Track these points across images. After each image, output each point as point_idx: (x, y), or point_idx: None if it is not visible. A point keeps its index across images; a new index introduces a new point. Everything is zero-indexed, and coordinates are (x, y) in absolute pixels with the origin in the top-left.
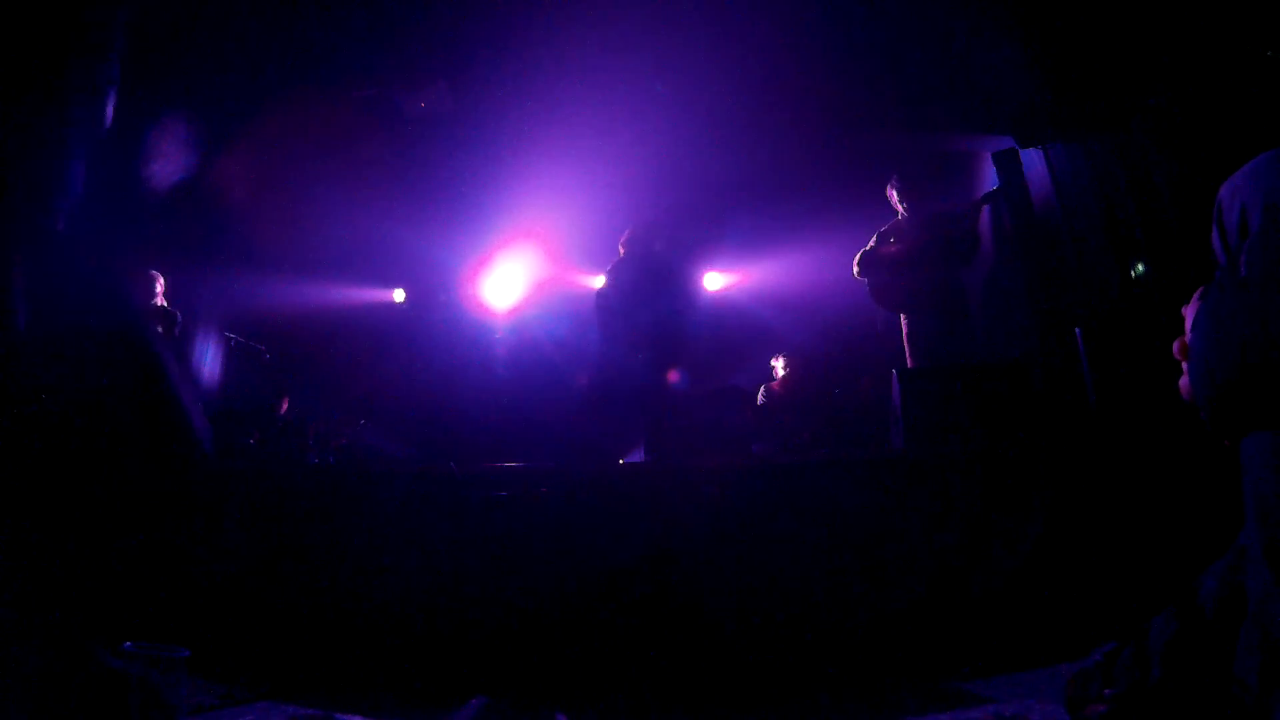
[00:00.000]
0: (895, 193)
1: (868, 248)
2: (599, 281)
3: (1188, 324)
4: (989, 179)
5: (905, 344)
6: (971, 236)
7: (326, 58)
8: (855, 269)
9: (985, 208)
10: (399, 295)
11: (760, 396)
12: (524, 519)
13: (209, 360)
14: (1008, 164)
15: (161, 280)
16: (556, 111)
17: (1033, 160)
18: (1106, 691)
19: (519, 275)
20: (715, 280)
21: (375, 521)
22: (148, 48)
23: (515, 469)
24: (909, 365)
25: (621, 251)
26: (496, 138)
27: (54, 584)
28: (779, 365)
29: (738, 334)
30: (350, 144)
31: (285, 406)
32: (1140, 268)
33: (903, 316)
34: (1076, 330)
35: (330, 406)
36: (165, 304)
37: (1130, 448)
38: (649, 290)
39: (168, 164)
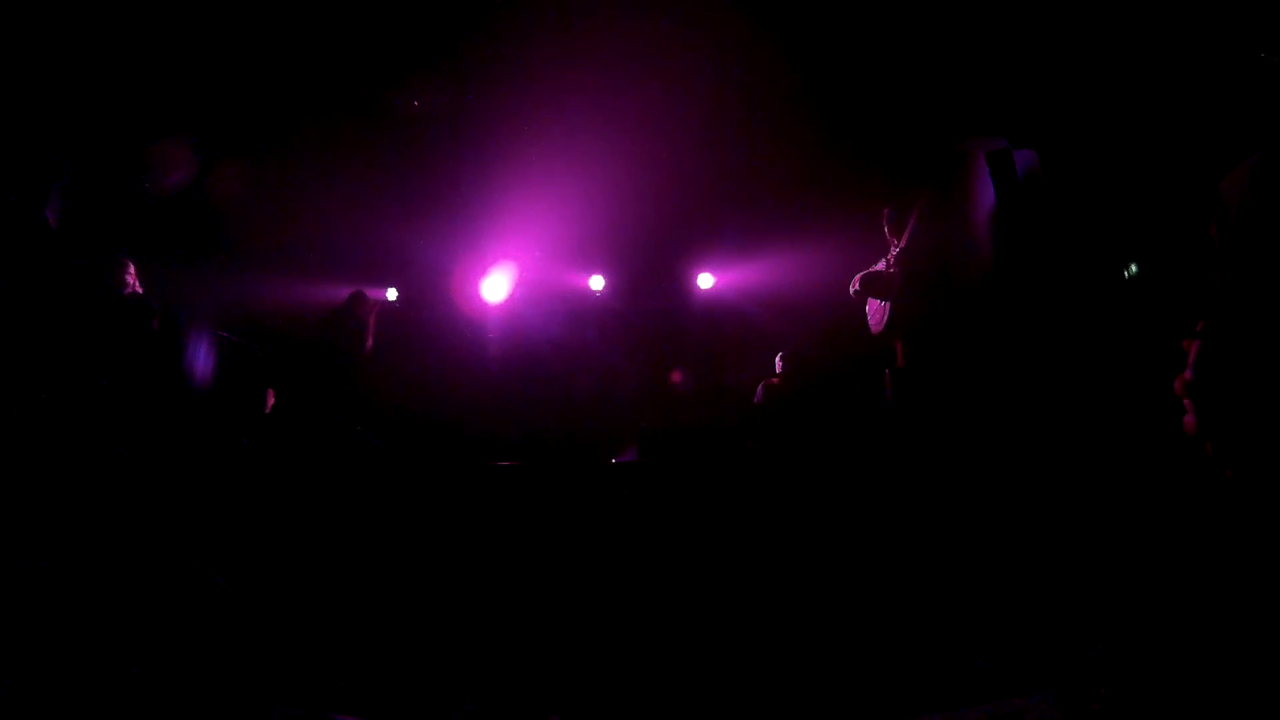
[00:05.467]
0: (886, 226)
1: (868, 271)
2: (594, 281)
3: (1190, 358)
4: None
5: (898, 347)
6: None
7: (323, 58)
8: (854, 288)
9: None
10: (391, 293)
11: (759, 394)
12: (517, 517)
13: (202, 359)
14: (1001, 164)
15: (132, 267)
16: (552, 110)
17: (1026, 160)
18: (1102, 690)
19: (512, 273)
20: (709, 280)
21: (367, 520)
22: (146, 48)
23: (508, 468)
24: (900, 365)
25: None
26: (491, 136)
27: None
28: (779, 363)
29: (732, 334)
30: (343, 142)
31: (270, 403)
32: (1133, 268)
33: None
34: (1067, 331)
35: (324, 406)
36: (139, 291)
37: (1124, 448)
38: None
39: (166, 165)
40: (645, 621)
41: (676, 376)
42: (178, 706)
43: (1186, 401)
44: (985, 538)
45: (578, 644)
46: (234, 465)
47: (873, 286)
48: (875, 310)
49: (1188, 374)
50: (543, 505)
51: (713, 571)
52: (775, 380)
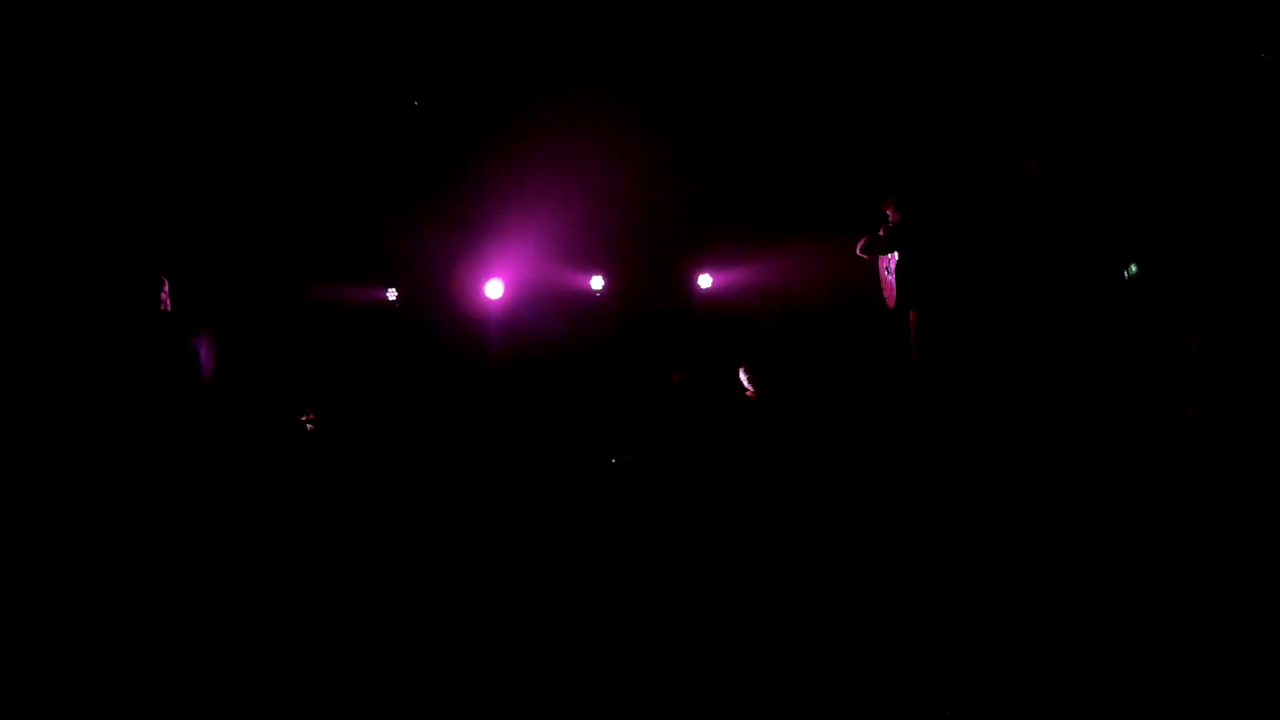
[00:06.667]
0: (890, 211)
1: (873, 235)
2: (594, 281)
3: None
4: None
5: (911, 342)
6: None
7: (329, 61)
8: (858, 249)
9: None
10: (391, 293)
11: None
12: (516, 517)
13: (202, 359)
14: (1000, 163)
15: (167, 285)
16: (555, 109)
17: (1025, 161)
18: (1101, 684)
19: (513, 273)
20: (709, 280)
21: (366, 521)
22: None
23: (508, 468)
24: (911, 361)
25: None
26: (492, 135)
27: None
28: (743, 376)
29: (732, 334)
30: (345, 141)
31: (310, 420)
32: (1133, 268)
33: (911, 315)
34: (1067, 332)
35: (325, 406)
36: (169, 308)
37: (1126, 447)
38: None
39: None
40: (645, 623)
41: (676, 377)
42: (183, 712)
43: (1188, 397)
44: (982, 536)
45: (577, 645)
46: (235, 467)
47: (873, 247)
48: (888, 285)
49: (1188, 370)
50: (542, 505)
51: (712, 573)
52: (749, 394)
